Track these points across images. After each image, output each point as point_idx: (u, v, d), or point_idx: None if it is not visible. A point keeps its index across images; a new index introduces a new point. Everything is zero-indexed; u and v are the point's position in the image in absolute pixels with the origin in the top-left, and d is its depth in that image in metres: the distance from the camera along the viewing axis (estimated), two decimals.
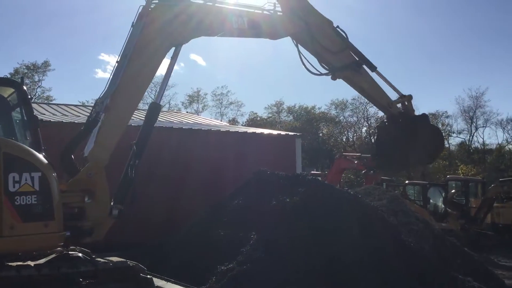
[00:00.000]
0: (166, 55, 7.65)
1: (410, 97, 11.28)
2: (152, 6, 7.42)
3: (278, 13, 8.90)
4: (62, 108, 20.05)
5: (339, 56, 9.62)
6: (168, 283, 6.56)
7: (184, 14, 7.58)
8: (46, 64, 53.54)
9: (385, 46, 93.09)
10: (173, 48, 7.61)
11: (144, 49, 7.17)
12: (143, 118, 7.35)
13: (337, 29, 9.65)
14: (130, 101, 7.16)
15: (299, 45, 9.37)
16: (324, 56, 9.53)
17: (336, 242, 7.51)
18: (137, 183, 6.93)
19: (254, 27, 8.61)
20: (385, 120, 11.16)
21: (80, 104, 31.92)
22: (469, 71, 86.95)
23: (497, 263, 16.28)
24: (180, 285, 6.38)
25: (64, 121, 14.63)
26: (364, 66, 9.96)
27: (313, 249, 7.35)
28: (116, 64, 7.23)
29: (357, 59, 9.84)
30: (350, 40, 9.73)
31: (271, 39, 9.13)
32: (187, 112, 33.35)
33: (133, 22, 7.33)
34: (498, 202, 21.92)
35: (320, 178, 17.42)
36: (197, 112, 61.51)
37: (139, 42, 7.17)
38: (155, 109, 7.39)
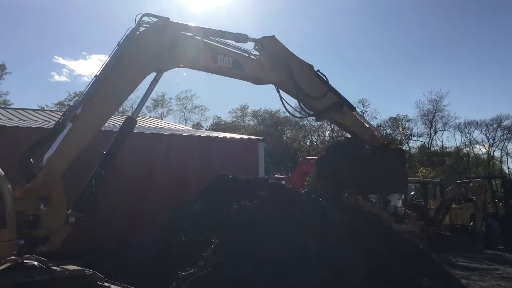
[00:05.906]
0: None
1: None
2: (141, 30, 7.56)
3: (262, 59, 9.00)
4: (19, 113, 19.58)
5: (322, 99, 9.93)
6: None
7: (170, 44, 7.71)
8: (2, 68, 52.18)
9: (348, 50, 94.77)
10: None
11: (125, 70, 7.26)
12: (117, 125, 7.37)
13: (318, 72, 9.92)
14: (100, 116, 7.12)
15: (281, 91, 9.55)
16: (308, 101, 9.81)
17: (297, 245, 7.57)
18: (100, 192, 6.89)
19: (238, 69, 8.73)
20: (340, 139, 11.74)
21: (39, 108, 31.19)
22: (431, 75, 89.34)
23: (454, 263, 16.71)
24: None
25: (20, 125, 14.26)
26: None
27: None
28: (95, 77, 7.24)
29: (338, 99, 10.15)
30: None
31: (253, 84, 9.24)
32: (149, 116, 33.02)
33: (119, 42, 7.39)
34: (455, 204, 22.52)
35: (283, 182, 17.51)
36: (161, 117, 60.97)
37: (121, 61, 7.24)
38: (129, 123, 7.47)
